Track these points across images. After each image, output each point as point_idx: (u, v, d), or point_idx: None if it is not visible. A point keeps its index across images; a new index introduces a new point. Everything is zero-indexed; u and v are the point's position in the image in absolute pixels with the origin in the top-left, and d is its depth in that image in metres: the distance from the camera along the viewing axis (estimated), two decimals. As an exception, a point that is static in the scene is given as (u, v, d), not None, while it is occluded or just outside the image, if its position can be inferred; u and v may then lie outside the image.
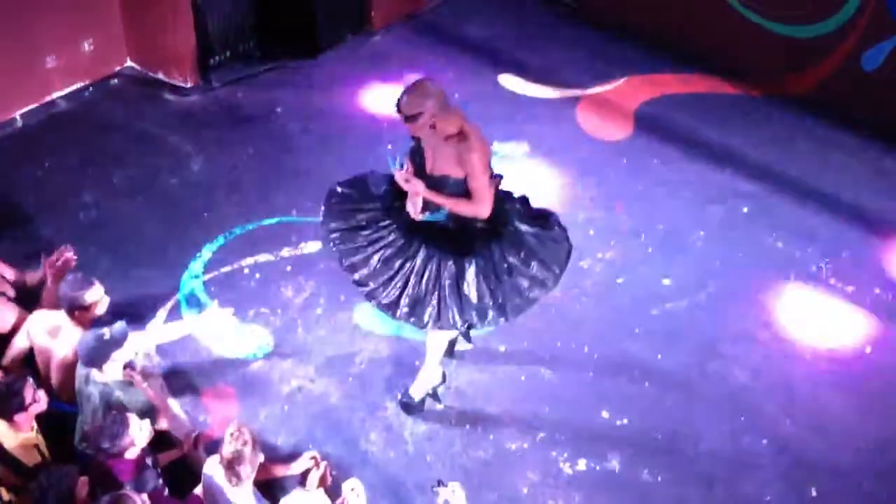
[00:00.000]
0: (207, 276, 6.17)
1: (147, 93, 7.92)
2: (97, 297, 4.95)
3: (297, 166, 7.17)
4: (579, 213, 6.69)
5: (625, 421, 5.41)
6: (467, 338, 5.67)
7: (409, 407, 5.39)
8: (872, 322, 6.06)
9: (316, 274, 6.24)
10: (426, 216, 4.77)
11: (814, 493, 5.07)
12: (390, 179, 4.93)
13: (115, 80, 8.02)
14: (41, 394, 4.53)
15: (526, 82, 8.19)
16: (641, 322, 5.96)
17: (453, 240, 4.79)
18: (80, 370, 4.78)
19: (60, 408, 4.86)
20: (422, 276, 4.78)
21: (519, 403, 5.49)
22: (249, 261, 6.31)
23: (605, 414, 5.45)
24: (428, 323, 4.82)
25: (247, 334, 5.82)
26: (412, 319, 4.85)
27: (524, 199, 5.06)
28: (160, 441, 4.74)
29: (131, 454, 4.42)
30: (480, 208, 4.66)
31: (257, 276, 6.22)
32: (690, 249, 6.59)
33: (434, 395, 5.45)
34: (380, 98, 7.98)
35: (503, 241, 4.82)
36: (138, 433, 4.41)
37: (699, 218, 6.85)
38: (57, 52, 7.57)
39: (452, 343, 5.67)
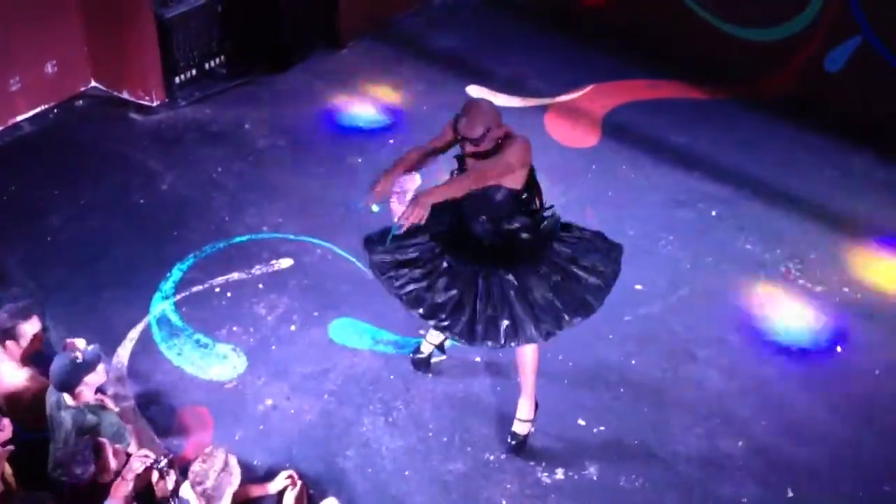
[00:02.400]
0: (179, 297, 6.13)
1: (113, 112, 7.86)
2: (29, 332, 4.89)
3: (267, 182, 7.14)
4: (550, 222, 6.71)
5: (601, 428, 5.43)
6: (441, 349, 5.67)
7: (521, 446, 5.27)
8: (842, 321, 6.12)
9: (289, 291, 6.21)
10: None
11: (790, 494, 5.10)
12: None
13: (80, 101, 7.95)
14: (6, 422, 4.47)
15: (494, 92, 8.21)
16: (615, 328, 5.97)
17: (504, 254, 4.76)
18: (51, 395, 4.74)
19: (22, 436, 4.78)
20: (487, 297, 4.72)
21: (495, 414, 5.48)
22: (221, 279, 6.27)
23: (581, 422, 5.46)
24: (505, 342, 4.74)
25: (220, 354, 5.78)
26: (489, 343, 4.76)
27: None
28: (134, 465, 4.68)
29: (105, 479, 4.39)
30: (473, 175, 4.56)
31: (229, 294, 6.18)
32: (661, 254, 6.62)
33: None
34: (348, 111, 7.98)
35: (551, 243, 4.79)
36: (110, 457, 4.37)
37: (669, 222, 6.89)
38: (20, 75, 7.50)
39: (428, 357, 5.67)
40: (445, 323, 4.76)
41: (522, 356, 5.05)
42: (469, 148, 4.57)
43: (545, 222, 4.84)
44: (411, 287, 4.83)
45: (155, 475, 4.42)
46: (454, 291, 4.76)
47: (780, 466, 5.24)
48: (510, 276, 4.73)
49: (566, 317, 4.76)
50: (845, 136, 7.68)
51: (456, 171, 4.80)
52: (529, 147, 4.65)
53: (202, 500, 4.24)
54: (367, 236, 5.11)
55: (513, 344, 4.78)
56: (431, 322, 4.83)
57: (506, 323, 4.71)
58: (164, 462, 4.43)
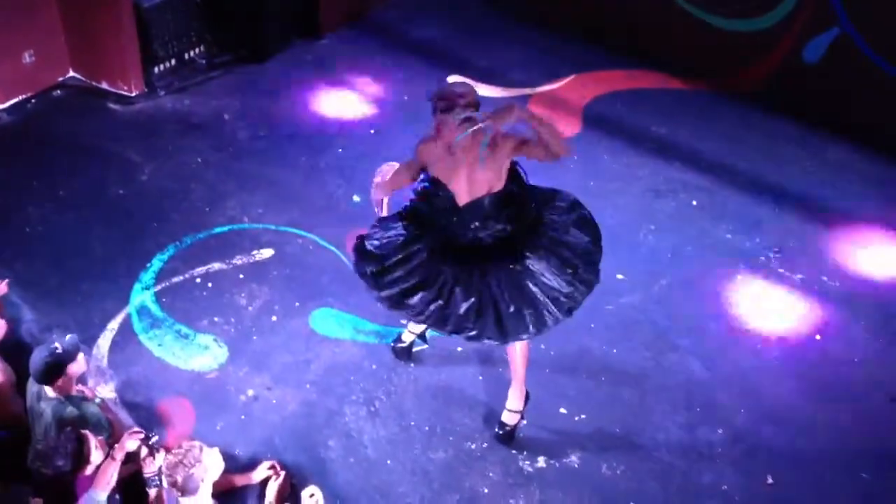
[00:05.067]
0: (158, 287, 6.10)
1: (91, 103, 7.81)
2: None
3: (247, 173, 7.11)
4: (531, 212, 6.72)
5: (583, 416, 5.45)
6: (423, 338, 5.67)
7: (509, 436, 5.27)
8: (821, 309, 6.17)
9: (269, 281, 6.19)
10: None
11: (770, 481, 5.15)
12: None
13: (59, 91, 7.90)
14: None
15: (475, 82, 8.17)
16: (596, 317, 5.99)
17: (502, 249, 4.74)
18: (32, 387, 4.72)
19: None
20: (502, 294, 4.71)
21: (477, 403, 5.50)
22: (201, 270, 6.25)
23: (563, 410, 5.48)
24: (537, 330, 4.73)
25: (201, 344, 5.76)
26: (522, 336, 4.77)
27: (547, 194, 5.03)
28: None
29: (87, 471, 4.37)
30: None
31: (210, 285, 6.15)
32: (642, 243, 6.66)
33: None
34: (328, 102, 7.95)
35: (539, 225, 4.80)
36: (93, 449, 4.36)
37: (650, 212, 6.93)
38: (-3, 65, 7.45)
39: (410, 346, 5.67)
40: (474, 332, 4.73)
41: (512, 347, 5.05)
42: (438, 119, 4.59)
43: (530, 203, 4.85)
44: (431, 308, 4.78)
45: (144, 451, 4.42)
46: (472, 299, 4.72)
47: (759, 454, 5.28)
48: (517, 267, 4.73)
49: (580, 285, 4.77)
50: (823, 126, 7.75)
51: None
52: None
53: (175, 492, 4.24)
54: (360, 268, 4.97)
55: (545, 329, 4.76)
56: (462, 335, 4.79)
57: (529, 312, 4.70)
58: (154, 438, 4.44)
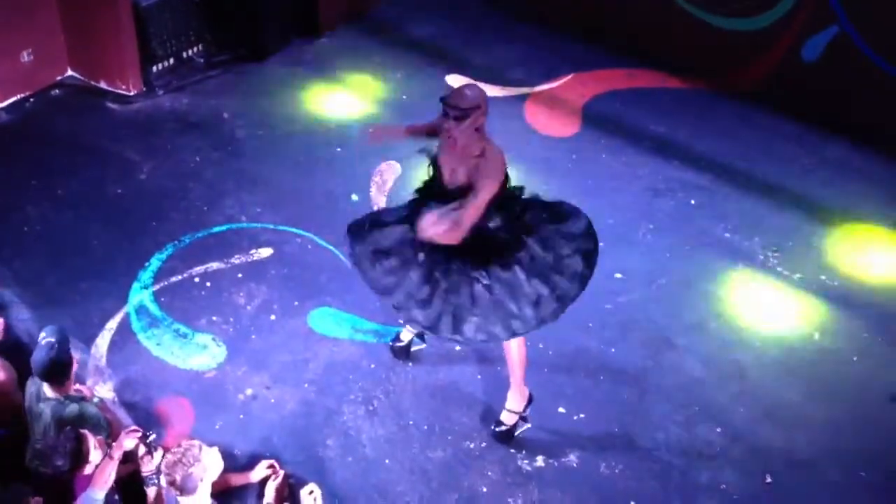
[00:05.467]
0: (157, 287, 6.09)
1: (90, 102, 7.80)
2: None
3: (245, 172, 7.11)
4: (530, 211, 6.71)
5: (581, 415, 5.45)
6: (421, 338, 5.67)
7: (506, 435, 5.27)
8: (819, 308, 6.17)
9: (268, 280, 6.19)
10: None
11: (768, 480, 5.14)
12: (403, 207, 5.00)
13: (57, 91, 7.89)
14: None
15: (473, 81, 8.19)
16: (595, 316, 5.99)
17: (480, 251, 4.74)
18: (30, 387, 4.71)
19: None
20: (458, 293, 4.74)
21: (476, 402, 5.50)
22: (200, 269, 6.24)
23: (561, 409, 5.48)
24: (472, 337, 4.78)
25: (199, 344, 5.76)
26: (458, 337, 4.81)
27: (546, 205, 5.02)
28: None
29: (86, 470, 4.37)
30: (459, 226, 4.53)
31: (208, 284, 6.15)
32: (641, 242, 6.65)
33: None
34: (327, 101, 7.95)
35: (526, 237, 4.81)
36: (92, 449, 4.36)
37: (648, 211, 6.92)
38: (-5, 64, 7.44)
39: (408, 345, 5.67)
40: (414, 314, 4.79)
41: (508, 348, 5.06)
42: (449, 125, 4.56)
43: (523, 215, 4.85)
44: (388, 279, 4.84)
45: (142, 449, 4.42)
46: (426, 287, 4.76)
47: (758, 453, 5.28)
48: (483, 275, 4.73)
49: (538, 313, 4.76)
50: (822, 124, 7.74)
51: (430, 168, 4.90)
52: (504, 162, 4.72)
53: (173, 491, 4.24)
54: (352, 223, 5.08)
55: (480, 339, 4.81)
56: (401, 314, 4.87)
57: (474, 320, 4.73)
58: (152, 437, 4.44)
